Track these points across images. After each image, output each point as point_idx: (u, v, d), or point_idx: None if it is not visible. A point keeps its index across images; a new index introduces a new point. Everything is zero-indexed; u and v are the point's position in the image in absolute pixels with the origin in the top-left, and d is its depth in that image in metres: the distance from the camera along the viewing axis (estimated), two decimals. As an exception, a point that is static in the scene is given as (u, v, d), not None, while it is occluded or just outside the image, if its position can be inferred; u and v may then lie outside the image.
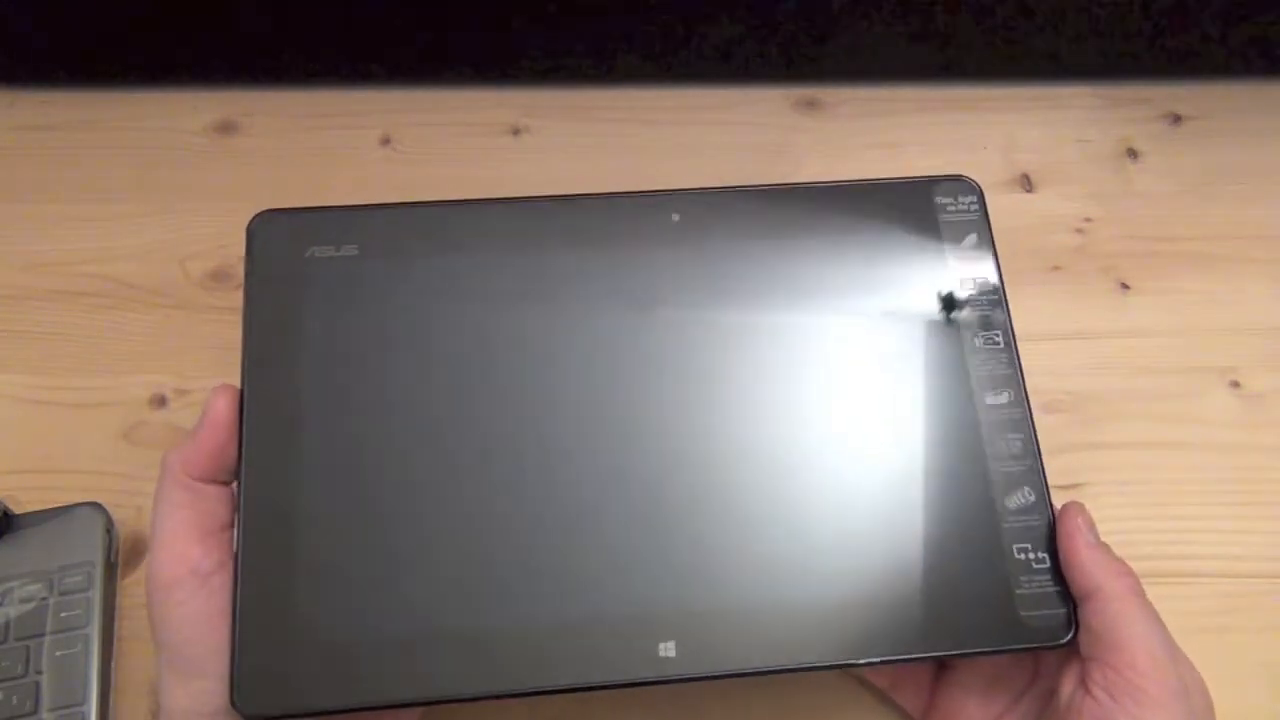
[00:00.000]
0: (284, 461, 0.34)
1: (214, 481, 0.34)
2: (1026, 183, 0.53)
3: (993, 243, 0.38)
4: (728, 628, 0.33)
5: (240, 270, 0.50)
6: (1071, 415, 0.46)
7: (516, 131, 0.55)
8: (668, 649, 0.33)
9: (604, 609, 0.33)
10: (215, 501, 0.33)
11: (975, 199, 0.39)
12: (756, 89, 0.56)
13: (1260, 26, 0.53)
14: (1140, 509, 0.44)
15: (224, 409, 0.34)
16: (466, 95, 0.55)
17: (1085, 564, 0.33)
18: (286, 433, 0.35)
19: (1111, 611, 0.32)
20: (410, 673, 0.32)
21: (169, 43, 0.53)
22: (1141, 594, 0.33)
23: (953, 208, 0.39)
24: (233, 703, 0.32)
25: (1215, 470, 0.45)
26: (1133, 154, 0.54)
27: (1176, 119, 0.54)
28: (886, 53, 0.54)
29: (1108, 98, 0.55)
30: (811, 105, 0.55)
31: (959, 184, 0.40)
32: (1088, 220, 0.51)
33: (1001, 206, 0.43)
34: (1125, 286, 0.50)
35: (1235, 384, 0.47)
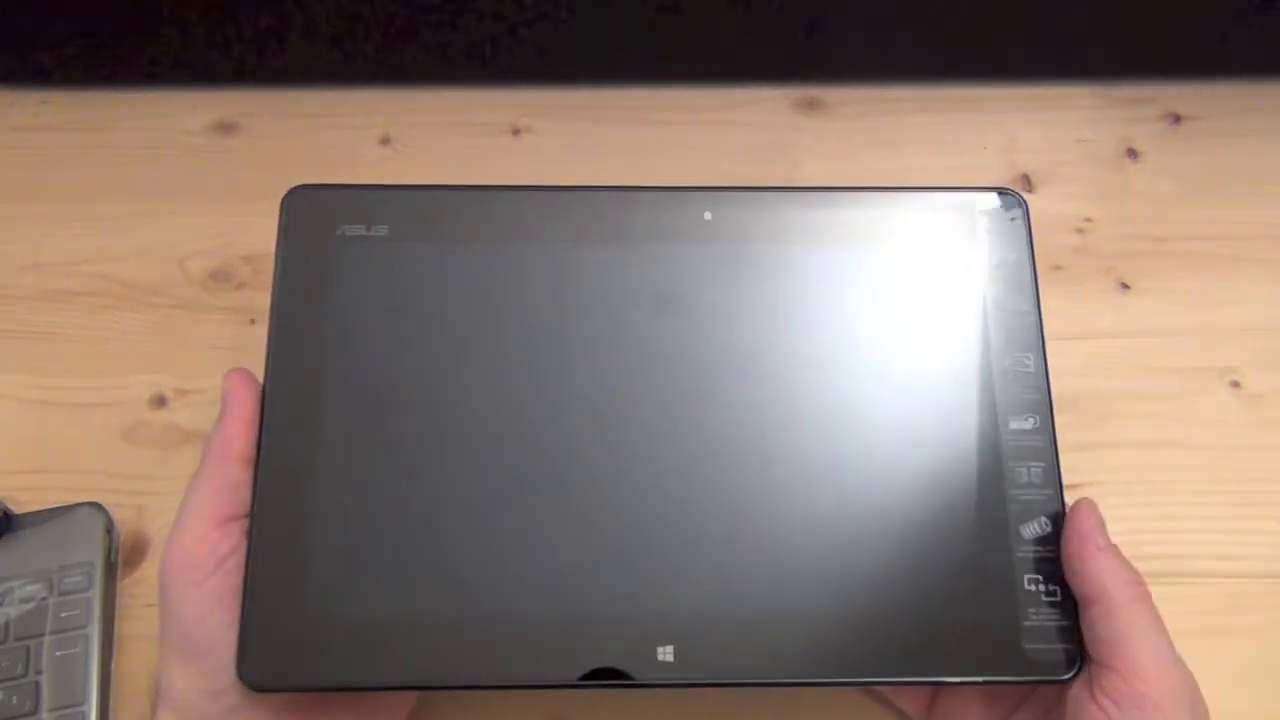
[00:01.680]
0: (302, 439, 0.35)
1: (249, 458, 0.35)
2: (1026, 183, 0.53)
3: (1033, 260, 0.37)
4: (729, 637, 0.33)
5: (241, 270, 0.50)
6: (1071, 415, 0.46)
7: (516, 131, 0.55)
8: (666, 653, 0.32)
9: (605, 609, 0.33)
10: (243, 487, 0.34)
11: (1019, 213, 0.38)
12: (756, 89, 0.56)
13: (1260, 26, 0.53)
14: (1140, 509, 0.44)
15: (240, 386, 0.35)
16: (466, 95, 0.55)
17: (1092, 568, 0.32)
18: (306, 410, 0.35)
19: (1119, 618, 0.31)
20: (413, 658, 0.33)
21: (169, 43, 0.53)
22: (1149, 600, 0.32)
23: (994, 220, 0.38)
24: (239, 674, 0.32)
25: (1215, 470, 0.45)
26: (1133, 154, 0.53)
27: (1176, 119, 0.54)
28: (886, 53, 0.54)
29: (1108, 98, 0.55)
30: (811, 105, 0.55)
31: (1003, 197, 0.38)
32: (1088, 220, 0.51)
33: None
34: (1125, 286, 0.50)
35: (1235, 384, 0.47)
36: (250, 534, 0.34)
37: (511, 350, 0.36)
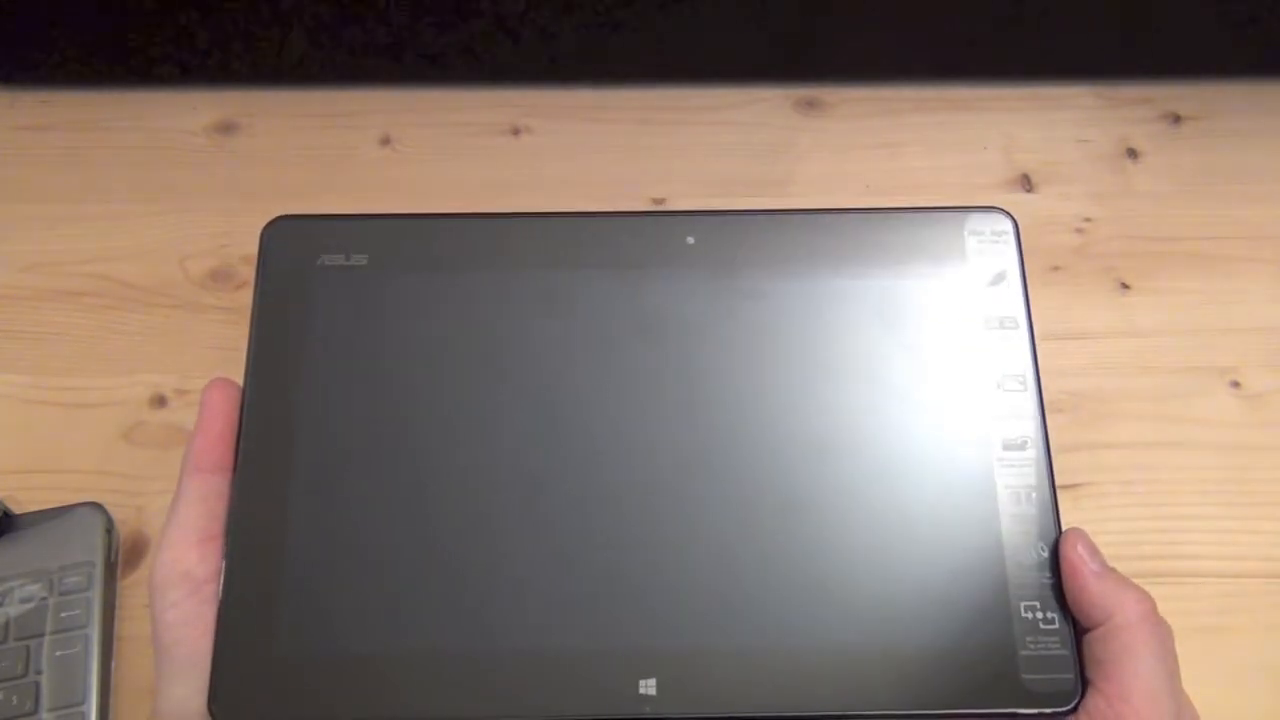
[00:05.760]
0: (278, 473, 0.34)
1: (227, 470, 0.34)
2: (1026, 183, 0.53)
3: (1024, 282, 0.36)
4: (713, 669, 0.32)
5: (241, 270, 0.50)
6: (1071, 415, 0.46)
7: (516, 131, 0.55)
8: (648, 686, 0.32)
9: (586, 641, 0.32)
10: (221, 500, 0.33)
11: (1009, 233, 0.37)
12: (756, 89, 0.56)
13: (1260, 26, 0.53)
14: (1140, 509, 0.44)
15: (219, 397, 0.34)
16: (466, 95, 0.55)
17: (1095, 597, 0.31)
18: (283, 443, 0.34)
19: (1118, 642, 0.31)
20: (387, 693, 0.32)
21: (169, 43, 0.53)
22: (1153, 619, 0.31)
23: (983, 241, 0.37)
24: (210, 709, 0.32)
25: (1215, 470, 0.45)
26: (1133, 154, 0.54)
27: (1176, 119, 0.54)
28: (886, 53, 0.54)
29: (1108, 98, 0.55)
30: (811, 105, 0.55)
31: (992, 215, 0.37)
32: (1088, 220, 0.51)
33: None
34: (1125, 286, 0.50)
35: (1235, 384, 0.47)
36: (223, 567, 0.33)
37: (491, 380, 0.36)
